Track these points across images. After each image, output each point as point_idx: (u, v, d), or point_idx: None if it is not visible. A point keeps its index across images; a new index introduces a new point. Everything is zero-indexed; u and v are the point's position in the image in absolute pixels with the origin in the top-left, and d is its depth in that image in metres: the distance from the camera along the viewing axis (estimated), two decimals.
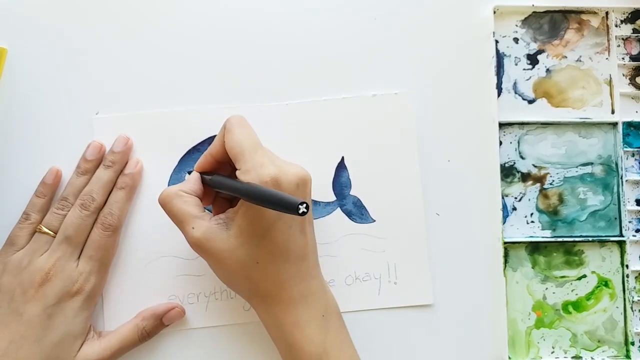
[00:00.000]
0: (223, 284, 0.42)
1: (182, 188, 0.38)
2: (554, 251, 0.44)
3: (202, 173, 0.40)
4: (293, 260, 0.37)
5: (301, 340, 0.37)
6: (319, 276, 0.39)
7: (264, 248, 0.36)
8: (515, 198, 0.45)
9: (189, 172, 0.41)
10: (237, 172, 0.37)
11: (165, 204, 0.38)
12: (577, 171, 0.45)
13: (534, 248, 0.44)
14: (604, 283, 0.44)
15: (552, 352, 0.43)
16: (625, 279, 0.44)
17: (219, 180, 0.39)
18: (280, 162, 0.38)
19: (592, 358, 0.43)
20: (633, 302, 0.44)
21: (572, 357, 0.43)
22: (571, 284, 0.44)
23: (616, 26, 0.46)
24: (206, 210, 0.38)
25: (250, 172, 0.36)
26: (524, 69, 0.45)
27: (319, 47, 0.45)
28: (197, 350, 0.42)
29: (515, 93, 0.45)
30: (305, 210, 0.31)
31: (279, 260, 0.37)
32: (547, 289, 0.44)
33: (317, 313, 0.37)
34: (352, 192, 0.44)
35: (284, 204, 0.32)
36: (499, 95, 0.45)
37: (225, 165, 0.40)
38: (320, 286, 0.38)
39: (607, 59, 0.46)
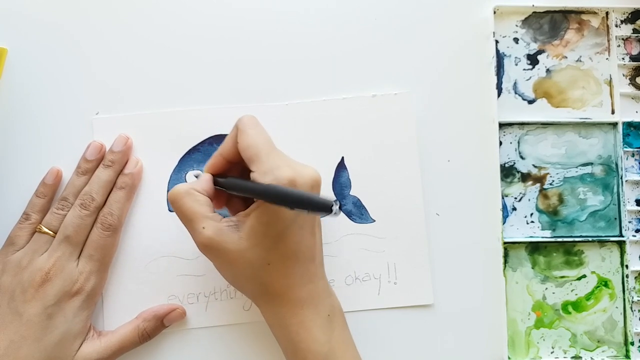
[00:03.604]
0: (223, 284, 0.42)
1: (194, 187, 0.38)
2: (553, 251, 0.44)
3: (214, 175, 0.39)
4: (302, 262, 0.37)
5: (307, 340, 0.37)
6: (324, 277, 0.39)
7: (276, 250, 0.36)
8: (515, 198, 0.45)
9: (194, 172, 0.40)
10: (253, 174, 0.36)
11: (175, 201, 0.37)
12: (577, 171, 0.45)
13: (534, 248, 0.44)
14: (604, 283, 0.44)
15: (552, 352, 0.43)
16: (625, 279, 0.44)
17: (235, 182, 0.38)
18: (295, 163, 0.37)
19: (591, 358, 0.43)
20: (633, 302, 0.44)
21: (572, 357, 0.43)
22: (571, 284, 0.44)
23: (616, 26, 0.46)
24: (216, 212, 0.38)
25: (267, 174, 0.35)
26: (524, 69, 0.45)
27: (319, 47, 0.45)
28: (197, 350, 0.42)
29: (515, 93, 0.45)
30: (338, 209, 0.31)
31: (289, 262, 0.37)
32: (546, 289, 0.44)
33: (323, 313, 0.37)
34: (352, 192, 0.44)
35: (315, 204, 0.32)
36: (499, 95, 0.45)
37: (235, 166, 0.39)
38: (325, 287, 0.38)
39: (607, 59, 0.46)
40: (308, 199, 0.32)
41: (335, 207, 0.31)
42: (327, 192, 0.44)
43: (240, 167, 0.38)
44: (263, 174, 0.35)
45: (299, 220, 0.36)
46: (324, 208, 0.31)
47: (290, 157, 0.38)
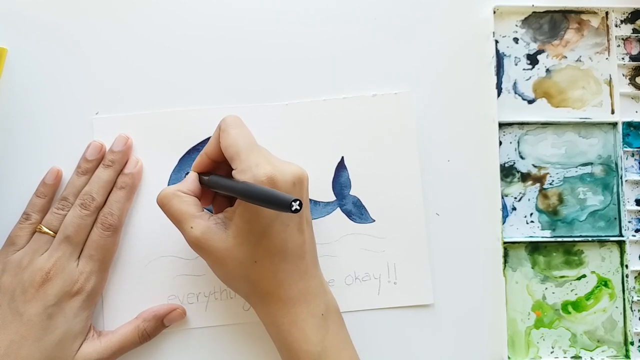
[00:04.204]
0: (223, 284, 0.42)
1: (180, 188, 0.38)
2: (553, 251, 0.44)
3: (200, 173, 0.40)
4: (291, 260, 0.37)
5: (299, 339, 0.37)
6: (318, 275, 0.39)
7: (261, 247, 0.36)
8: (515, 198, 0.45)
9: (187, 174, 0.41)
10: (233, 172, 0.37)
11: (163, 204, 0.38)
12: (576, 171, 0.45)
13: (534, 248, 0.44)
14: (604, 283, 0.44)
15: (552, 352, 0.43)
16: (625, 279, 0.44)
17: (216, 180, 0.39)
18: (277, 161, 0.38)
19: (591, 358, 0.43)
20: (632, 302, 0.44)
21: (572, 357, 0.43)
22: (571, 284, 0.44)
23: (616, 26, 0.46)
24: (205, 210, 0.38)
25: (246, 172, 0.36)
26: (524, 69, 0.45)
27: (319, 47, 0.45)
28: (197, 350, 0.42)
29: (515, 93, 0.45)
30: (298, 207, 0.31)
31: (276, 260, 0.37)
32: (546, 289, 0.44)
33: (316, 312, 0.37)
34: (352, 192, 0.44)
35: (276, 201, 0.32)
36: (499, 95, 0.45)
37: (222, 165, 0.40)
38: (319, 285, 0.38)
39: (607, 59, 0.46)
40: (267, 195, 0.33)
41: (295, 205, 0.31)
42: (327, 192, 0.44)
43: (227, 166, 0.39)
44: (242, 172, 0.36)
45: (282, 217, 0.36)
46: (283, 205, 0.31)
47: (274, 155, 0.39)
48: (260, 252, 0.36)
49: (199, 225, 0.37)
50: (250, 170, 0.36)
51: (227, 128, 0.38)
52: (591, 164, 0.45)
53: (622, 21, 0.46)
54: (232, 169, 0.37)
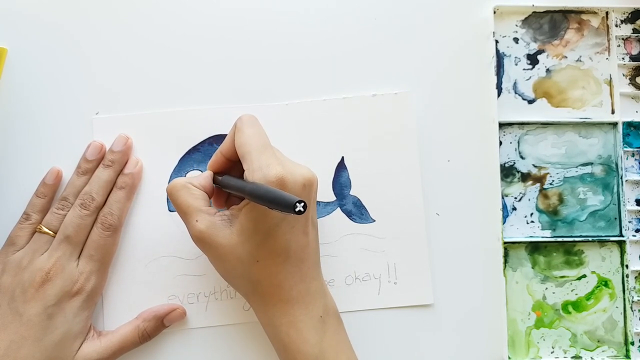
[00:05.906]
0: (223, 284, 0.42)
1: (191, 181, 0.38)
2: (553, 251, 0.44)
3: (215, 173, 0.40)
4: (293, 261, 0.37)
5: (297, 341, 0.37)
6: (319, 278, 0.39)
7: (264, 247, 0.36)
8: (515, 198, 0.45)
9: (195, 173, 0.40)
10: (245, 172, 0.37)
11: (171, 194, 0.38)
12: (577, 171, 0.45)
13: (534, 248, 0.44)
14: (604, 283, 0.44)
15: (552, 352, 0.43)
16: (625, 279, 0.44)
17: (227, 180, 0.38)
18: (288, 162, 0.37)
19: (591, 358, 0.43)
20: (633, 302, 0.44)
21: (572, 357, 0.43)
22: (571, 284, 0.44)
23: (616, 26, 0.46)
24: (212, 206, 0.38)
25: (257, 172, 0.36)
26: (524, 69, 0.45)
27: (319, 47, 0.45)
28: (197, 350, 0.42)
29: (515, 93, 0.45)
30: (302, 209, 0.31)
31: (278, 261, 0.37)
32: (547, 289, 0.44)
33: (314, 314, 0.37)
34: (352, 192, 0.44)
35: (280, 202, 0.32)
36: (499, 95, 0.45)
37: (237, 165, 0.39)
38: (319, 288, 0.38)
39: (607, 59, 0.46)
40: (272, 195, 0.32)
41: (299, 206, 0.31)
42: (327, 192, 0.44)
43: (242, 166, 0.39)
44: (253, 172, 0.36)
45: (289, 219, 0.36)
46: (287, 205, 0.31)
47: (286, 156, 0.39)
48: (263, 252, 0.36)
49: (204, 220, 0.37)
50: (261, 170, 0.36)
51: (243, 127, 0.38)
52: (591, 164, 0.45)
53: (622, 21, 0.46)
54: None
